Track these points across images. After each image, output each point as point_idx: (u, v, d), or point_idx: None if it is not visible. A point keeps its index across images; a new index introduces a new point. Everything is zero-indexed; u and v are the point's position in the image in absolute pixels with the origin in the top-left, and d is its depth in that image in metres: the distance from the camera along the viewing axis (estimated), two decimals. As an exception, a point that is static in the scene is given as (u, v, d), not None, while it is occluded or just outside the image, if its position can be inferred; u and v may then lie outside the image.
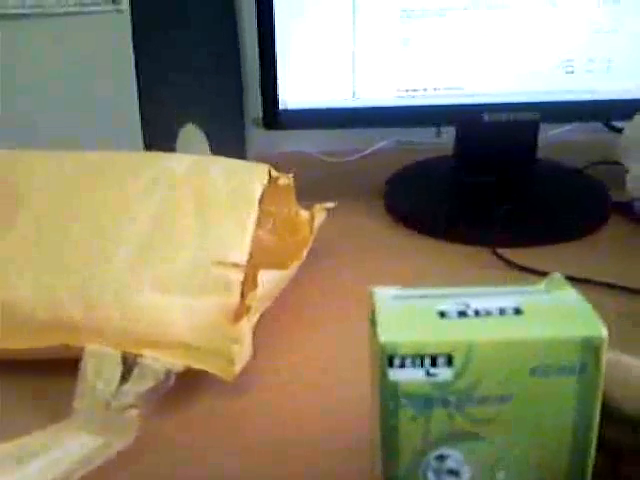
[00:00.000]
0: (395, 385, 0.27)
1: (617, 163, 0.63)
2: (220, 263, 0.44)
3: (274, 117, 0.63)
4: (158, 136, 0.61)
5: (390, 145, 0.82)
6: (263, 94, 0.63)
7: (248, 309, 0.42)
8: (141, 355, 0.41)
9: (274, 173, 0.50)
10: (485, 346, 0.26)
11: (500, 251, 0.58)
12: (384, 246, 0.61)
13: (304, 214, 0.54)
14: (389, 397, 0.27)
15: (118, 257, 0.45)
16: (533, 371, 0.27)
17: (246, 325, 0.42)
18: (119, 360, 0.41)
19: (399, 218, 0.65)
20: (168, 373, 0.41)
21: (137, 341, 0.42)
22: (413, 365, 0.26)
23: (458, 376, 0.26)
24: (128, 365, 0.41)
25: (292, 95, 0.63)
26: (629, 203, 0.63)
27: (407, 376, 0.26)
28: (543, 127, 0.68)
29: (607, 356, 0.27)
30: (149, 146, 0.61)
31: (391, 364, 0.26)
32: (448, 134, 0.74)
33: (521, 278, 0.54)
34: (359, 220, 0.65)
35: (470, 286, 0.29)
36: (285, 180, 0.52)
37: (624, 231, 0.62)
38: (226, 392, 0.43)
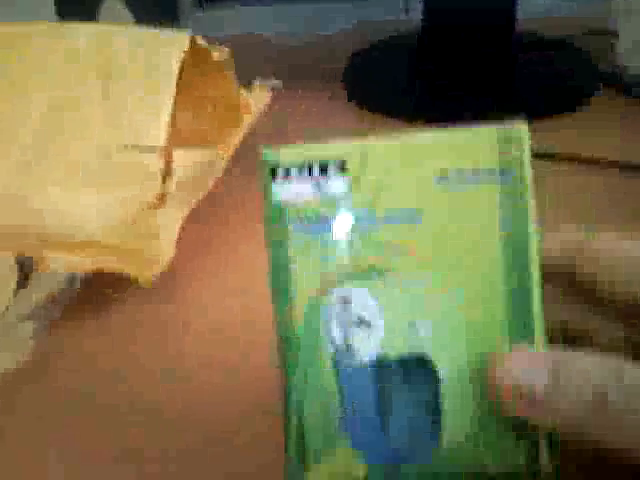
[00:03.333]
0: (280, 205, 0.22)
1: (603, 33, 0.57)
2: (132, 147, 0.37)
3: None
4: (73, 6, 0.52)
5: (352, 26, 0.73)
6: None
7: (164, 198, 0.35)
8: (41, 257, 0.35)
9: (200, 42, 0.42)
10: (382, 149, 0.22)
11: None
12: (343, 131, 0.54)
13: (245, 96, 0.47)
14: (276, 223, 0.22)
15: (10, 156, 0.38)
16: (443, 179, 0.22)
17: (164, 218, 0.36)
18: (13, 263, 0.35)
19: (359, 101, 0.58)
20: (71, 278, 0.34)
21: (36, 242, 0.36)
22: (300, 174, 0.22)
23: (354, 188, 0.22)
24: (25, 271, 0.35)
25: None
26: (618, 74, 0.57)
27: (294, 192, 0.22)
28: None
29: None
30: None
31: (274, 177, 0.22)
32: (416, 11, 0.65)
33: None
34: (315, 104, 0.58)
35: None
36: (220, 54, 0.44)
37: (613, 104, 0.56)
38: (149, 299, 0.37)
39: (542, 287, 0.23)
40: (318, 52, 0.68)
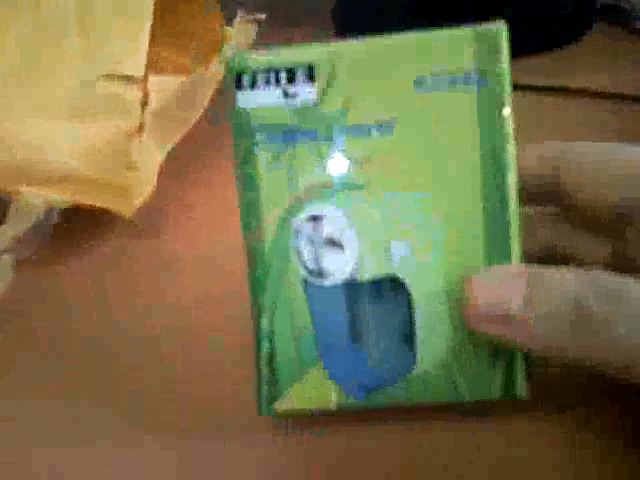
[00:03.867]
0: (247, 115, 0.21)
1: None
2: (109, 77, 0.36)
3: None
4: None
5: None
6: None
7: (142, 128, 0.34)
8: (18, 192, 0.34)
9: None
10: (355, 52, 0.21)
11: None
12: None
13: (229, 30, 0.45)
14: (242, 135, 0.22)
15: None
16: (420, 85, 0.21)
17: (144, 148, 0.35)
18: (-11, 198, 0.34)
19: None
20: (49, 211, 0.34)
21: (13, 176, 0.35)
22: (267, 83, 0.21)
23: (324, 96, 0.21)
24: (3, 206, 0.34)
25: None
26: (616, 5, 0.55)
27: (261, 100, 0.21)
28: None
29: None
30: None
31: (240, 85, 0.21)
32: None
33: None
34: (302, 40, 0.56)
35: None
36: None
37: (611, 37, 0.54)
38: (131, 233, 0.36)
39: (519, 203, 0.22)
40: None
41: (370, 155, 0.22)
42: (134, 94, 0.36)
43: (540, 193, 0.25)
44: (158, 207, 0.36)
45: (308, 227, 0.22)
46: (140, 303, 0.32)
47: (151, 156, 0.35)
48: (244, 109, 0.21)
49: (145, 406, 0.27)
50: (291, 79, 0.21)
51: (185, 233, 0.36)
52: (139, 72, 0.36)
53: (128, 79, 0.36)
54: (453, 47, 0.21)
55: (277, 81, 0.21)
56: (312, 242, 0.22)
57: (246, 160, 0.22)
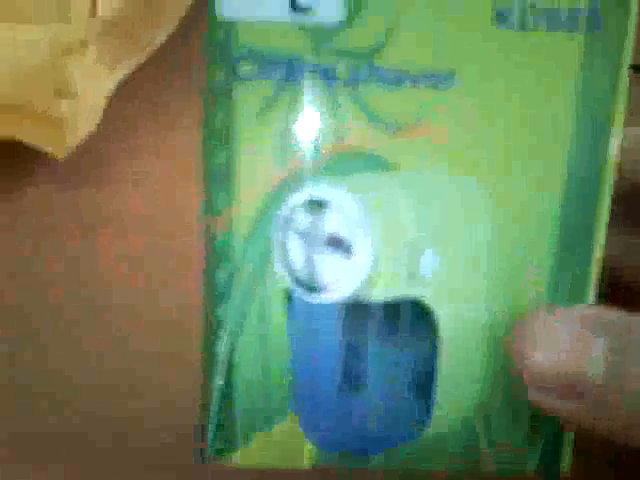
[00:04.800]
0: (231, 31, 0.14)
1: None
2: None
3: None
4: None
5: None
6: None
7: (85, 44, 0.26)
8: None
9: None
10: None
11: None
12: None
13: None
14: (219, 63, 0.14)
15: None
16: (501, 16, 0.14)
17: (86, 72, 0.27)
18: None
19: None
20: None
21: None
22: None
23: (355, 16, 0.14)
24: None
25: None
26: None
27: (256, 10, 0.14)
28: None
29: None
30: None
31: None
32: None
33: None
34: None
35: None
36: None
37: None
38: (56, 181, 0.29)
39: (609, 217, 0.16)
40: None
41: (412, 118, 0.14)
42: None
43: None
44: (99, 150, 0.28)
45: (304, 217, 0.15)
46: (61, 279, 0.25)
47: (95, 83, 0.27)
48: (228, 21, 0.14)
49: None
50: None
51: (128, 188, 0.29)
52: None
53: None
54: None
55: None
56: (307, 239, 0.15)
57: (220, 105, 0.14)
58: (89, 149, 0.27)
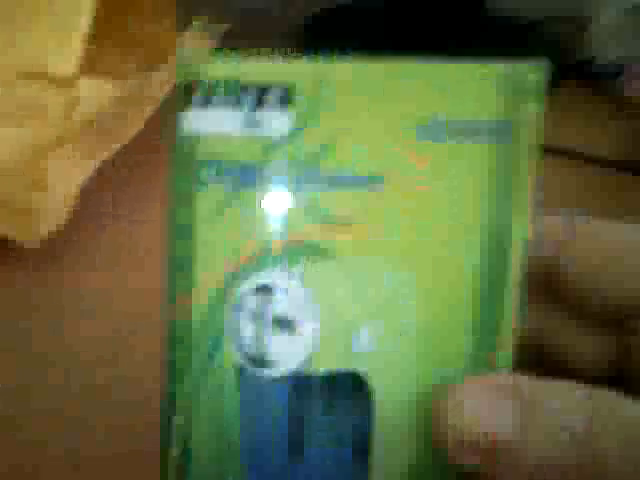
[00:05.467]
0: (193, 143, 0.16)
1: (572, 19, 0.53)
2: (29, 75, 0.30)
3: None
4: None
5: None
6: None
7: (61, 141, 0.28)
8: None
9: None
10: (347, 76, 0.16)
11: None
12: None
13: (185, 36, 0.39)
14: (182, 169, 0.16)
15: None
16: (422, 129, 0.16)
17: (60, 165, 0.29)
18: None
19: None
20: None
21: None
22: (226, 103, 0.16)
23: (299, 129, 0.16)
24: None
25: None
26: (587, 62, 0.53)
27: (215, 125, 0.16)
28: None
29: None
30: None
31: (188, 101, 0.16)
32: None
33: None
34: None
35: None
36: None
37: (580, 94, 0.52)
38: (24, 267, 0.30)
39: (523, 296, 0.18)
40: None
41: (347, 213, 0.17)
42: (59, 97, 0.30)
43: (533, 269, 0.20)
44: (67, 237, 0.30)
45: (254, 300, 0.17)
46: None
47: (69, 175, 0.29)
48: (190, 134, 0.16)
49: None
50: (260, 101, 0.16)
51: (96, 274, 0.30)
52: (66, 71, 0.30)
53: (52, 80, 0.30)
54: (471, 86, 0.16)
55: (240, 102, 0.16)
56: (256, 320, 0.17)
57: (182, 203, 0.16)
58: (61, 237, 0.29)
